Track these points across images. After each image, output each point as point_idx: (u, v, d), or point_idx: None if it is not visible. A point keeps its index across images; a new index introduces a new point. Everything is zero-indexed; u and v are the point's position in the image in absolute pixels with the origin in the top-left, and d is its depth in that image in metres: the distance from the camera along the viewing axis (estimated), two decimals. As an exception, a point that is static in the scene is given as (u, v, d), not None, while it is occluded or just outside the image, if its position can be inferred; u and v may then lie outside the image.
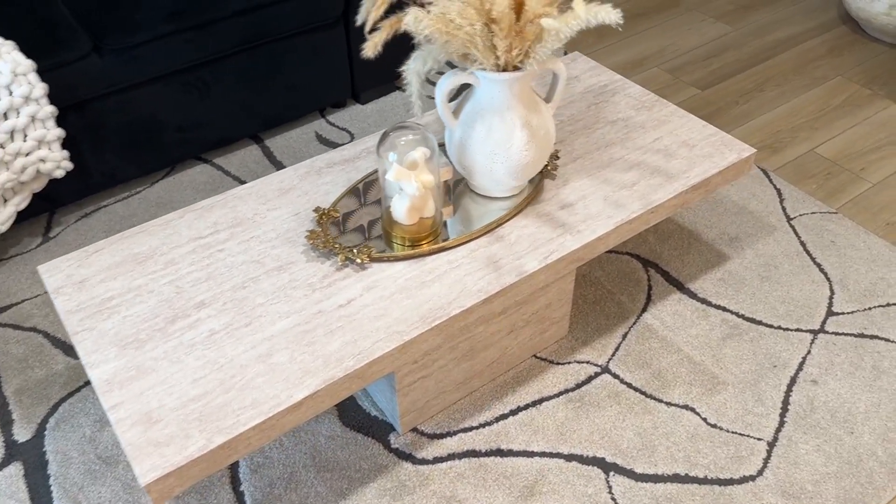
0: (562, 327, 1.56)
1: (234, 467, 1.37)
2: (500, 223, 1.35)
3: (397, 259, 1.28)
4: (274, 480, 1.35)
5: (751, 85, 2.30)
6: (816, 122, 2.15)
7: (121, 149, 1.86)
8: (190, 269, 1.28)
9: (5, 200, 1.69)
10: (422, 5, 1.10)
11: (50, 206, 1.86)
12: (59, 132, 1.67)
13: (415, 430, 1.43)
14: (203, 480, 1.35)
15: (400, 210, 1.28)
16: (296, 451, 1.39)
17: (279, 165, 2.03)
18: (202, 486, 1.35)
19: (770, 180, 1.94)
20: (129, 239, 1.34)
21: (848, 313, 1.61)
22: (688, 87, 2.30)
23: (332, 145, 2.09)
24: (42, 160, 1.66)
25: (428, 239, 1.32)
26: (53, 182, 1.80)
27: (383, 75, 2.23)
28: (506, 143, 1.27)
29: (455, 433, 1.42)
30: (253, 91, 2.00)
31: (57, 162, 1.69)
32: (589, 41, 2.52)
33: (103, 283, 1.25)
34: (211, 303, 1.22)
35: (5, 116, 1.59)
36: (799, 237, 1.78)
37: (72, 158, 1.79)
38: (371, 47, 1.09)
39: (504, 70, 1.21)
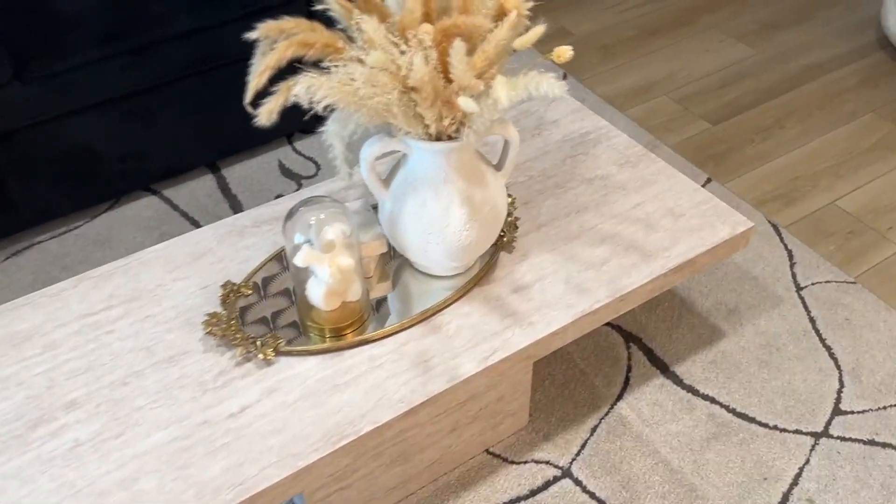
0: (520, 418, 1.35)
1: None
2: (438, 309, 1.15)
3: (309, 353, 1.09)
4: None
5: (769, 120, 2.05)
6: (841, 168, 1.89)
7: (54, 182, 1.69)
8: (69, 356, 1.09)
9: (-85, 241, 1.54)
10: (323, 68, 0.89)
11: (-17, 238, 1.71)
12: (-27, 168, 1.50)
13: (336, 540, 1.24)
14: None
15: (316, 294, 1.08)
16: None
17: (233, 200, 1.84)
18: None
19: (781, 238, 1.70)
20: (10, 313, 1.16)
21: (858, 412, 1.38)
22: (697, 121, 2.05)
23: (295, 177, 1.90)
24: (-47, 199, 1.51)
25: (353, 327, 1.12)
26: (-21, 217, 1.64)
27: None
28: (441, 221, 1.07)
29: (382, 546, 1.23)
30: (207, 118, 1.82)
31: (-29, 201, 1.53)
32: (592, 62, 2.28)
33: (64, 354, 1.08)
34: (83, 403, 1.04)
35: None
36: (808, 312, 1.54)
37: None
38: (266, 115, 0.89)
39: (437, 139, 1.00)
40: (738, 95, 2.13)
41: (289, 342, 1.10)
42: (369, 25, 0.87)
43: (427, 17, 0.93)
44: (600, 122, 1.49)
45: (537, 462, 1.31)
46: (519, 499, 1.26)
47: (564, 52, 0.90)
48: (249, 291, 1.16)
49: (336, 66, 0.87)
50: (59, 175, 1.69)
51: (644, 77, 2.21)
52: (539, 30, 0.90)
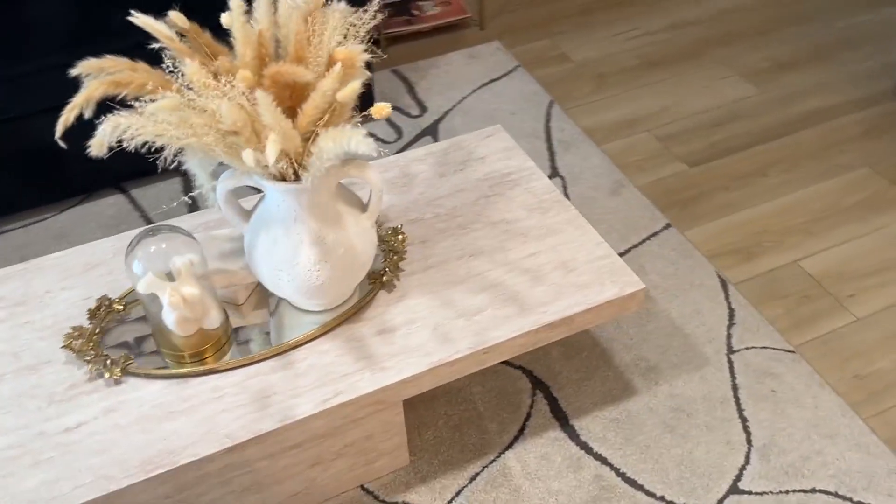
0: (399, 457, 1.33)
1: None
2: (297, 344, 1.15)
3: (155, 377, 1.11)
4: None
5: (752, 167, 1.95)
6: (815, 226, 1.78)
7: (17, 177, 1.78)
8: (-57, 354, 1.16)
9: None
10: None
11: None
12: (-67, 160, 1.60)
13: (191, 558, 1.26)
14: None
15: (170, 320, 1.10)
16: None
17: (194, 206, 1.89)
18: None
19: (727, 296, 1.61)
20: None
21: (756, 494, 1.29)
22: (674, 162, 1.97)
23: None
24: (-88, 187, 1.60)
25: (210, 353, 1.14)
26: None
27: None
28: (291, 260, 1.06)
29: (235, 570, 1.24)
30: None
31: (-70, 190, 1.63)
32: (584, 90, 2.22)
33: None
34: (-60, 401, 1.09)
35: None
36: (734, 378, 1.46)
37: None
38: (97, 147, 0.91)
39: (283, 179, 1.00)
40: (726, 137, 2.04)
41: (143, 364, 1.12)
42: (190, 68, 0.87)
43: (262, 62, 0.94)
44: (527, 163, 1.45)
45: (408, 504, 1.30)
46: (378, 540, 1.26)
47: (381, 110, 0.88)
48: (121, 308, 1.19)
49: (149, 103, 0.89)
50: (23, 171, 1.78)
51: (632, 111, 2.14)
52: (356, 85, 0.88)
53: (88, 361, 1.11)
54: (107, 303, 1.19)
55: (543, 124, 2.08)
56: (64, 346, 1.13)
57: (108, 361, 1.11)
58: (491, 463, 1.35)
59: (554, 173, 1.93)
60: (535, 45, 2.41)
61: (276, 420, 1.06)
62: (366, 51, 0.95)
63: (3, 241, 1.82)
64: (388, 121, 2.11)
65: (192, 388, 1.10)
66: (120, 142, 0.92)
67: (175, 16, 0.90)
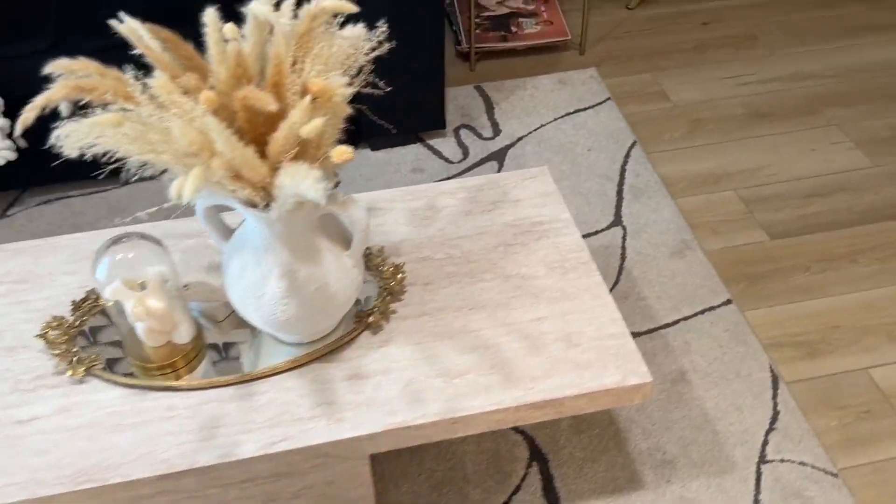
0: (366, 506, 1.26)
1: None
2: (262, 375, 1.09)
3: (116, 384, 1.08)
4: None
5: (843, 250, 1.72)
6: (902, 329, 1.55)
7: (84, 146, 1.83)
8: (-63, 320, 1.18)
9: (-49, 174, 1.73)
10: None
11: (24, 185, 1.90)
12: (2, 122, 1.66)
13: (138, 566, 1.23)
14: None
15: (140, 329, 1.07)
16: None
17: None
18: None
19: (774, 394, 1.42)
20: (-76, 265, 1.27)
21: None
22: (755, 229, 1.77)
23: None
24: (-20, 146, 1.68)
25: (179, 366, 1.10)
26: (21, 165, 1.81)
27: (399, 126, 1.98)
28: (257, 289, 1.00)
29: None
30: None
31: (-3, 150, 1.69)
32: (674, 135, 2.05)
33: None
34: (-83, 368, 1.11)
35: (-55, 98, 1.61)
36: (758, 493, 1.28)
37: (33, 147, 1.79)
38: (66, 150, 0.88)
39: (254, 205, 0.94)
40: (821, 211, 1.81)
41: (111, 368, 1.10)
42: (157, 81, 0.83)
43: (240, 83, 0.87)
44: (562, 214, 1.33)
45: (365, 558, 1.22)
46: (324, 591, 1.18)
47: (342, 154, 0.80)
48: (108, 303, 1.18)
49: (122, 118, 0.84)
50: (90, 141, 1.83)
51: (722, 164, 1.95)
52: (318, 122, 0.80)
53: (56, 355, 1.10)
54: (94, 297, 1.18)
55: (619, 165, 1.93)
56: (38, 335, 1.13)
57: (76, 359, 1.09)
58: (463, 532, 1.25)
59: (615, 222, 1.78)
60: (633, 77, 2.25)
61: (217, 455, 1.00)
62: (351, 84, 0.87)
63: (64, 207, 1.88)
64: (457, 139, 2.02)
65: (147, 401, 1.06)
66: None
67: (157, 32, 0.85)
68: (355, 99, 0.95)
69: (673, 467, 1.32)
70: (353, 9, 0.88)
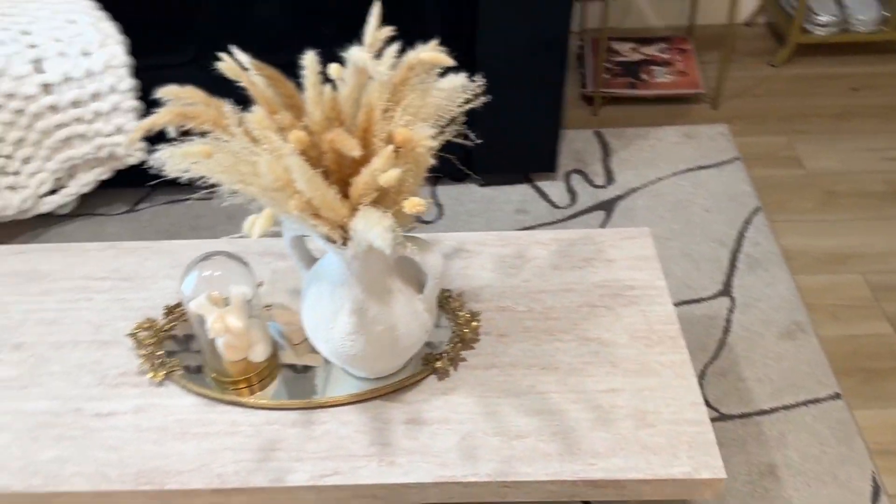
0: (415, 550, 1.24)
1: None
2: (325, 405, 1.10)
3: (191, 392, 1.12)
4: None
5: (981, 355, 1.54)
6: None
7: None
8: (44, 307, 1.26)
9: (92, 168, 1.88)
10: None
11: (154, 184, 2.03)
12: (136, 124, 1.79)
13: (191, 568, 1.27)
14: None
15: (220, 343, 1.11)
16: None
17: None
18: None
19: (874, 502, 1.29)
20: (46, 254, 1.37)
21: None
22: (880, 320, 1.62)
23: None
24: (118, 145, 1.80)
25: (249, 384, 1.13)
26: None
27: (510, 164, 1.97)
28: (328, 322, 1.01)
29: None
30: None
31: (130, 151, 1.82)
32: (804, 206, 1.91)
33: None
34: (23, 350, 1.20)
35: (93, 98, 1.75)
36: None
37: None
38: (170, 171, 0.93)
39: (333, 241, 0.95)
40: (961, 308, 1.64)
41: (190, 376, 1.14)
42: (254, 115, 0.86)
43: (337, 124, 0.89)
44: (657, 281, 1.27)
45: None
46: None
47: (414, 205, 0.80)
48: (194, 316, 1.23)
49: (216, 146, 0.88)
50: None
51: (852, 244, 1.80)
52: (394, 173, 0.80)
53: (142, 356, 1.16)
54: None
55: (738, 231, 1.83)
56: (129, 334, 1.20)
57: (158, 362, 1.15)
58: None
59: (724, 292, 1.68)
60: (767, 138, 2.13)
61: (268, 479, 1.02)
62: (440, 134, 0.87)
63: (186, 208, 1.99)
64: (567, 184, 1.98)
65: (215, 413, 1.10)
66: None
67: (261, 69, 0.89)
68: (466, 130, 0.95)
69: (745, 569, 1.22)
70: (449, 62, 0.88)
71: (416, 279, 1.06)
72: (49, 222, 1.94)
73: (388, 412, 1.10)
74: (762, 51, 2.51)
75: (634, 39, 2.47)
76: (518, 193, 1.97)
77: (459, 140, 0.96)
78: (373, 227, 0.80)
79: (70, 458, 1.05)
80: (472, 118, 0.99)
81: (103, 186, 1.92)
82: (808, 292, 1.69)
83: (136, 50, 1.75)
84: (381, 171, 0.83)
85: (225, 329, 1.06)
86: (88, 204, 1.99)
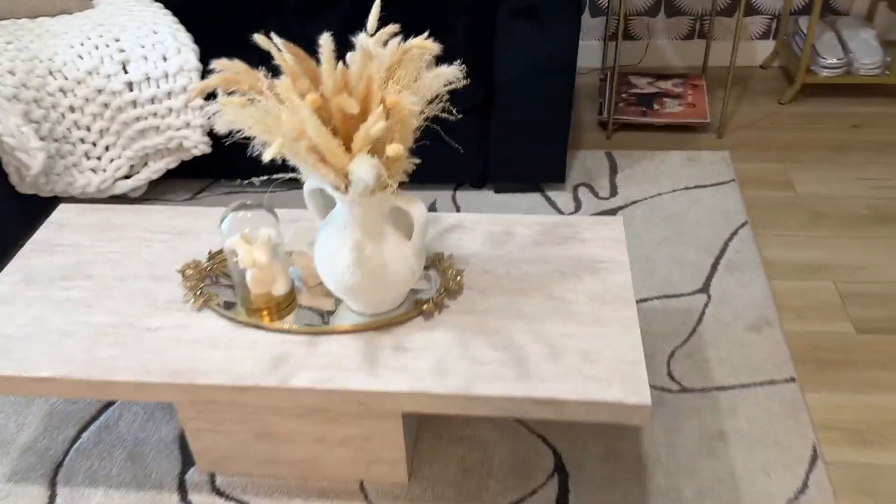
0: (398, 472, 1.45)
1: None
2: (328, 332, 1.34)
3: (222, 316, 1.37)
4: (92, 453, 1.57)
5: (933, 355, 1.68)
6: (973, 442, 1.49)
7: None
8: (114, 250, 1.55)
9: (162, 157, 2.19)
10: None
11: (215, 176, 2.34)
12: (203, 121, 2.09)
13: (211, 475, 1.50)
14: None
15: (248, 278, 1.36)
16: (118, 440, 1.59)
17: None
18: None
19: (809, 470, 1.44)
20: (119, 213, 1.66)
21: None
22: (843, 321, 1.77)
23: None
24: (185, 138, 2.11)
25: (271, 313, 1.38)
26: (214, 158, 2.24)
27: (523, 175, 2.20)
28: (332, 257, 1.26)
29: (232, 497, 1.46)
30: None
31: (195, 143, 2.12)
32: (790, 223, 2.09)
33: (71, 239, 1.60)
34: (92, 279, 1.48)
35: (168, 96, 2.06)
36: (761, 551, 1.32)
37: (227, 148, 2.21)
38: (217, 125, 1.20)
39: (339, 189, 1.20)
40: (921, 316, 1.78)
41: (222, 304, 1.40)
42: (281, 82, 1.12)
43: (345, 89, 1.15)
44: (621, 257, 1.47)
45: (386, 514, 1.41)
46: (346, 530, 1.38)
47: (394, 149, 1.04)
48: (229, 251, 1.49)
49: (252, 104, 1.15)
50: (269, 148, 2.23)
51: (829, 258, 1.96)
52: (381, 124, 1.05)
53: (188, 287, 1.42)
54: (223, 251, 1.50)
55: (723, 241, 2.01)
56: (178, 270, 1.46)
57: (199, 293, 1.41)
58: (474, 515, 1.40)
59: (702, 290, 1.87)
60: (764, 165, 2.32)
61: (276, 380, 1.26)
62: (431, 102, 1.12)
63: (242, 198, 2.29)
64: (574, 194, 2.21)
65: (240, 333, 1.35)
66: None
67: (289, 48, 1.16)
68: (484, 142, 1.20)
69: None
70: (435, 49, 1.13)
71: (406, 230, 1.29)
72: (121, 203, 2.26)
73: (378, 340, 1.33)
74: (773, 90, 2.71)
75: (653, 75, 2.70)
76: (529, 200, 2.20)
77: (444, 115, 1.21)
78: (362, 165, 1.04)
79: (122, 357, 1.31)
80: (490, 132, 1.22)
81: (170, 175, 2.24)
82: (781, 294, 1.86)
83: (205, 56, 2.07)
84: (374, 125, 1.09)
85: (252, 262, 1.32)
86: (156, 190, 2.31)
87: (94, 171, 2.12)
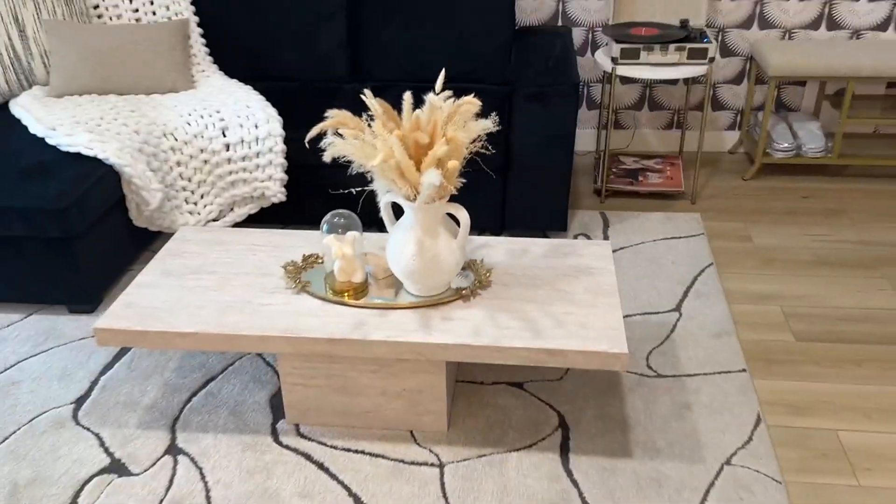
0: (439, 422, 1.89)
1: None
2: (392, 307, 1.82)
3: (315, 297, 1.86)
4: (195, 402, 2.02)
5: (852, 356, 2.14)
6: (878, 414, 1.94)
7: (324, 200, 2.77)
8: (228, 256, 2.05)
9: (246, 204, 2.73)
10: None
11: (287, 222, 2.87)
12: (282, 176, 2.64)
13: (297, 425, 1.95)
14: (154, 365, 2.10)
15: (336, 268, 1.86)
16: (229, 394, 2.04)
17: (417, 254, 2.69)
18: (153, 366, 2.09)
19: (754, 428, 1.88)
20: (221, 232, 2.18)
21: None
22: (786, 332, 2.25)
23: (463, 257, 2.68)
24: (267, 188, 2.65)
25: (352, 296, 1.87)
26: (288, 206, 2.78)
27: (533, 224, 2.73)
28: (401, 250, 1.77)
29: (311, 440, 1.90)
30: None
31: (275, 193, 2.66)
32: (747, 264, 2.59)
33: (195, 249, 2.11)
34: (215, 275, 1.97)
35: (256, 155, 2.62)
36: (714, 479, 1.74)
37: (293, 195, 2.75)
38: (327, 154, 1.73)
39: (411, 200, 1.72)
40: (846, 330, 2.25)
41: (315, 289, 1.89)
42: (376, 124, 1.66)
43: (419, 129, 1.69)
44: (609, 266, 1.98)
45: (420, 464, 1.85)
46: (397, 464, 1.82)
47: (453, 165, 1.57)
48: (321, 261, 1.99)
49: (355, 139, 1.68)
50: (324, 195, 2.77)
51: (778, 289, 2.46)
52: (443, 148, 1.58)
53: (289, 277, 1.92)
54: (314, 255, 2.01)
55: (693, 276, 2.52)
56: (282, 266, 1.97)
57: (297, 281, 1.90)
58: (497, 453, 1.84)
59: (675, 309, 2.35)
60: (728, 223, 2.85)
61: (359, 335, 1.74)
62: (473, 141, 1.65)
63: (301, 240, 2.80)
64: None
65: (329, 308, 1.84)
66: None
67: (380, 103, 1.71)
68: (503, 197, 1.73)
69: (657, 452, 1.83)
70: (478, 105, 1.68)
71: (454, 232, 1.80)
72: (206, 244, 2.77)
73: (430, 314, 1.81)
74: (739, 170, 3.28)
75: (639, 156, 3.28)
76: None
77: (484, 151, 1.74)
78: (431, 174, 1.57)
79: (243, 321, 1.80)
80: (507, 189, 1.72)
81: (250, 219, 2.77)
82: (737, 314, 2.34)
83: (286, 126, 2.64)
84: (441, 153, 1.62)
85: (342, 254, 1.82)
86: (234, 233, 2.83)
87: (191, 213, 2.65)
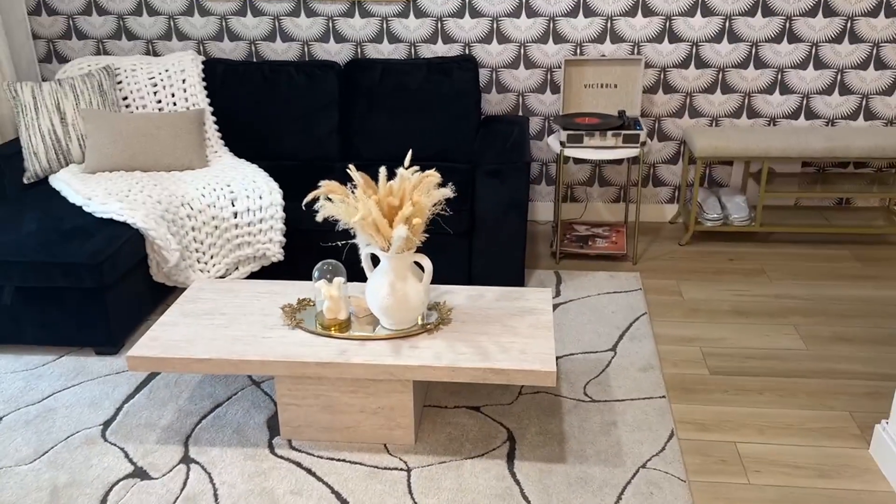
0: (408, 435, 2.29)
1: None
2: (368, 338, 2.25)
3: (306, 331, 2.29)
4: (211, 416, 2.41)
5: (756, 386, 2.57)
6: (771, 431, 2.35)
7: (315, 260, 3.22)
8: (237, 301, 2.48)
9: (249, 263, 3.17)
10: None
11: (283, 276, 3.30)
12: (281, 239, 3.10)
13: (290, 440, 2.33)
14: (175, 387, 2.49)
15: (324, 308, 2.30)
16: (235, 411, 2.43)
17: (395, 307, 3.13)
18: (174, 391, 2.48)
19: (667, 441, 2.29)
20: (232, 283, 2.62)
21: (592, 527, 1.97)
22: (702, 368, 2.68)
23: (435, 309, 3.11)
24: (268, 249, 3.11)
25: (337, 330, 2.29)
26: (285, 265, 3.22)
27: (494, 280, 3.17)
28: (377, 290, 2.21)
29: (302, 451, 2.28)
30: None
31: (274, 253, 3.11)
32: (675, 313, 3.04)
33: (208, 296, 2.54)
34: (226, 315, 2.40)
35: (260, 221, 3.08)
36: (631, 478, 2.14)
37: (289, 256, 3.20)
38: (320, 214, 2.19)
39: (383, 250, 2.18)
40: (753, 366, 2.69)
41: (307, 325, 2.31)
42: (358, 191, 2.13)
43: (391, 195, 2.15)
44: (547, 307, 2.41)
45: (389, 468, 2.23)
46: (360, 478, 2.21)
47: (418, 225, 2.03)
48: (312, 304, 2.42)
49: (342, 202, 2.15)
50: (323, 257, 3.21)
51: (697, 334, 2.90)
52: (410, 209, 2.04)
53: (286, 315, 2.35)
54: (307, 300, 2.44)
55: (629, 322, 2.96)
56: (280, 308, 2.40)
57: (293, 319, 2.33)
58: (455, 460, 2.23)
59: (611, 349, 2.78)
60: (663, 281, 3.31)
61: (343, 359, 2.15)
62: (435, 205, 2.12)
63: (295, 295, 3.23)
64: (529, 295, 3.17)
65: (318, 340, 2.26)
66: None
67: (362, 175, 2.18)
68: (469, 256, 2.19)
69: (586, 459, 2.23)
70: (438, 178, 2.15)
71: (420, 277, 2.25)
72: (212, 299, 3.20)
73: (401, 343, 2.24)
74: (676, 237, 3.77)
75: (590, 224, 3.77)
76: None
77: (444, 213, 2.21)
78: (400, 230, 2.02)
79: (249, 349, 2.22)
80: (472, 249, 2.21)
81: (252, 277, 3.21)
82: (663, 353, 2.77)
83: (286, 197, 3.11)
84: (406, 213, 2.08)
85: (329, 295, 2.26)
86: (237, 289, 3.26)
87: (202, 270, 3.09)
